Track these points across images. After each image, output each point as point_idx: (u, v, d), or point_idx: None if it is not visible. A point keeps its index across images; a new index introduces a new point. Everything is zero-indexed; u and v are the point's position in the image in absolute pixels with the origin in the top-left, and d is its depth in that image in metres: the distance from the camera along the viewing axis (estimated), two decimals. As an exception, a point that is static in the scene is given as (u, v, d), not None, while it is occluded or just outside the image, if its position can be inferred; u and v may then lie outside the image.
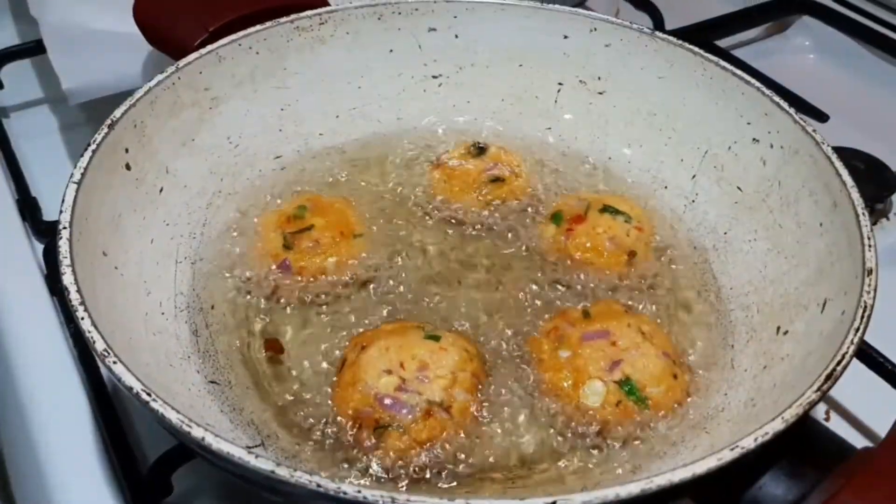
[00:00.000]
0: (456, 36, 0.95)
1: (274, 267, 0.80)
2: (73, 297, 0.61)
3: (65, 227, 0.66)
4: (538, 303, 0.80)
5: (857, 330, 0.62)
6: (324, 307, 0.79)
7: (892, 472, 0.55)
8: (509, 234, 0.87)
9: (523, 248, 0.85)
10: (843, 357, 0.60)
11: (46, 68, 1.04)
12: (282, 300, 0.79)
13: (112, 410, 0.77)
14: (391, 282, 0.81)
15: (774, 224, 0.81)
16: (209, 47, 0.85)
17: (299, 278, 0.79)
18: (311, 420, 0.70)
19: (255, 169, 0.89)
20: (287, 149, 0.92)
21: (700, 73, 0.88)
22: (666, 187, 0.91)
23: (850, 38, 1.32)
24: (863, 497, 0.54)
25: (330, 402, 0.71)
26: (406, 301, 0.80)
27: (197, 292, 0.78)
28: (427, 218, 0.88)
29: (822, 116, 1.13)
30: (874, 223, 0.90)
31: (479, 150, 0.92)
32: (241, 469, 0.52)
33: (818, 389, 0.58)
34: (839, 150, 0.77)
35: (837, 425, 0.73)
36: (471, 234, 0.87)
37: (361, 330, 0.77)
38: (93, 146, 0.73)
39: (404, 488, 0.65)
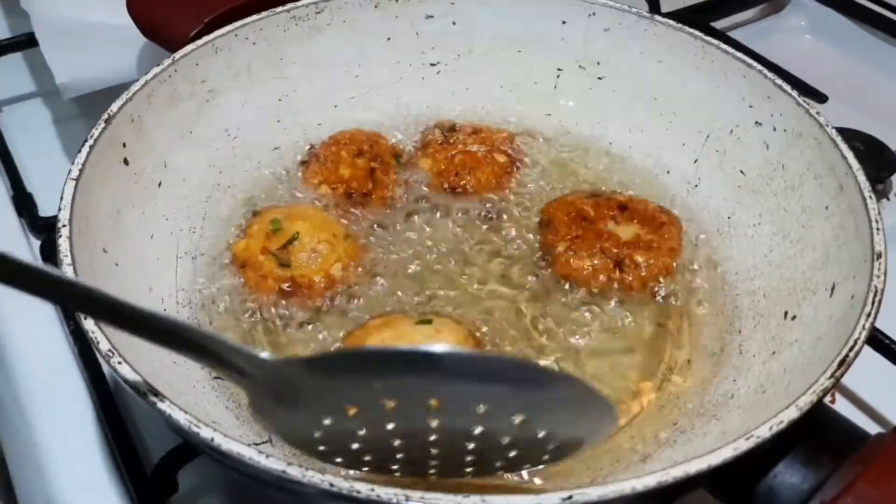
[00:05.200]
0: (454, 23, 0.94)
1: (276, 296, 0.77)
2: (75, 296, 0.60)
3: (64, 225, 0.65)
4: (537, 293, 0.80)
5: (869, 315, 0.61)
6: (331, 308, 0.78)
7: (907, 460, 0.55)
8: (506, 224, 0.86)
9: (519, 240, 0.85)
10: (856, 342, 0.59)
11: (39, 62, 1.02)
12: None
13: (114, 408, 0.77)
14: (394, 279, 0.80)
15: (779, 208, 0.80)
16: (205, 38, 0.84)
17: (308, 293, 0.77)
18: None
19: (253, 161, 0.88)
20: (286, 140, 0.91)
21: (700, 57, 0.88)
22: (668, 172, 0.90)
23: (846, 17, 1.31)
24: (879, 485, 0.54)
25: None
26: (413, 296, 0.79)
27: (198, 287, 0.78)
28: (420, 209, 0.88)
29: (820, 97, 1.13)
30: (873, 204, 0.90)
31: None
32: (252, 469, 0.51)
33: (832, 376, 0.57)
34: (838, 131, 0.77)
35: (846, 410, 0.73)
36: (465, 224, 0.86)
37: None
38: (90, 141, 0.72)
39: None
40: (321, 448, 0.57)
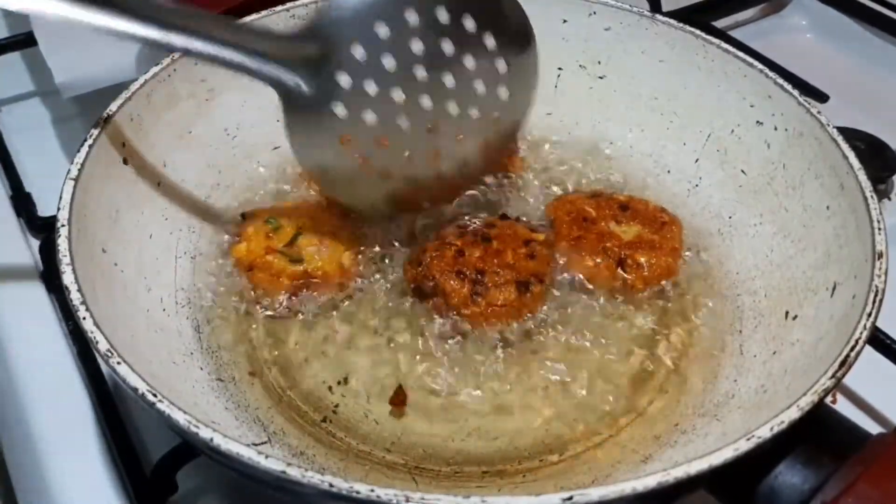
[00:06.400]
0: (454, 22, 0.94)
1: (287, 293, 0.77)
2: (74, 296, 0.60)
3: (63, 225, 0.65)
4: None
5: (870, 315, 0.61)
6: (352, 294, 0.79)
7: (908, 460, 0.55)
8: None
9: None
10: (857, 342, 0.59)
11: (37, 61, 1.02)
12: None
13: (113, 408, 0.76)
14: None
15: (780, 207, 0.80)
16: (205, 38, 0.84)
17: (325, 285, 0.78)
18: (319, 415, 0.70)
19: (253, 160, 0.88)
20: (285, 139, 0.90)
21: (701, 56, 0.87)
22: (669, 172, 0.90)
23: (847, 16, 1.31)
24: (879, 486, 0.54)
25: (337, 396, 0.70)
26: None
27: (198, 287, 0.78)
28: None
29: (821, 97, 1.12)
30: (874, 204, 0.90)
31: None
32: (251, 469, 0.51)
33: (832, 376, 0.57)
34: (839, 131, 0.77)
35: (847, 410, 0.73)
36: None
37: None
38: (89, 141, 0.71)
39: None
40: (345, 132, 0.72)
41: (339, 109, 0.71)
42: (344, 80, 0.70)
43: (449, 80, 0.74)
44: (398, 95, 0.73)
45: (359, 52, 0.70)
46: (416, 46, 0.71)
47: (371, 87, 0.71)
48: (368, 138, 0.74)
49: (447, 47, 0.73)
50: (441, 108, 0.75)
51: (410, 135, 0.75)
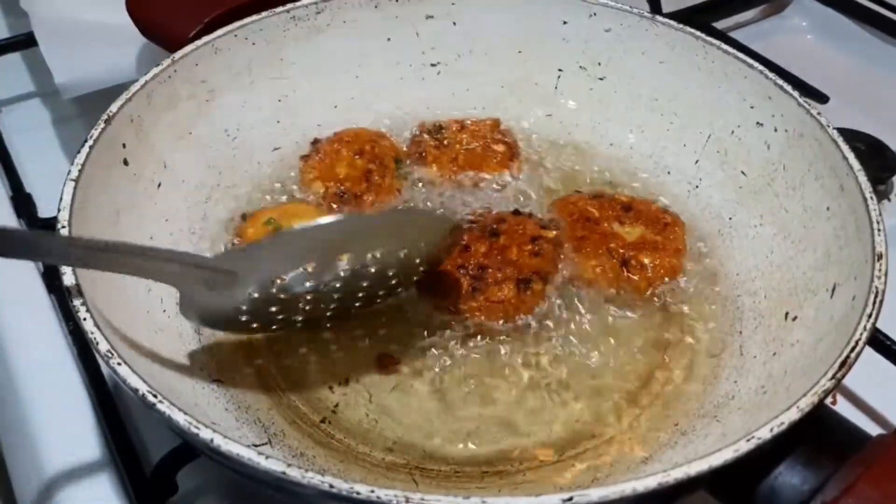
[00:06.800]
0: (454, 23, 0.94)
1: None
2: (75, 297, 0.60)
3: (63, 226, 0.65)
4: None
5: (870, 316, 0.61)
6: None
7: (908, 461, 0.55)
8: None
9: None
10: (857, 343, 0.59)
11: (38, 61, 1.02)
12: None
13: (114, 409, 0.76)
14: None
15: (780, 208, 0.80)
16: (205, 39, 0.84)
17: None
18: (319, 416, 0.70)
19: (253, 161, 0.88)
20: (285, 140, 0.90)
21: (702, 58, 0.87)
22: (669, 173, 0.90)
23: (848, 17, 1.31)
24: (879, 486, 0.54)
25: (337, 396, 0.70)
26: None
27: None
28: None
29: (822, 98, 1.12)
30: (874, 205, 0.90)
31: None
32: (251, 470, 0.51)
33: (832, 377, 0.57)
34: (839, 132, 0.76)
35: (847, 411, 0.72)
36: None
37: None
38: (90, 142, 0.71)
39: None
40: (243, 318, 0.68)
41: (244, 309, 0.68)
42: (253, 295, 0.67)
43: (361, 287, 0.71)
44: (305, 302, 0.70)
45: (277, 289, 0.67)
46: (338, 282, 0.69)
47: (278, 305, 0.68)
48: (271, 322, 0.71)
49: (367, 282, 0.70)
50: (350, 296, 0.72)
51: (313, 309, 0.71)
